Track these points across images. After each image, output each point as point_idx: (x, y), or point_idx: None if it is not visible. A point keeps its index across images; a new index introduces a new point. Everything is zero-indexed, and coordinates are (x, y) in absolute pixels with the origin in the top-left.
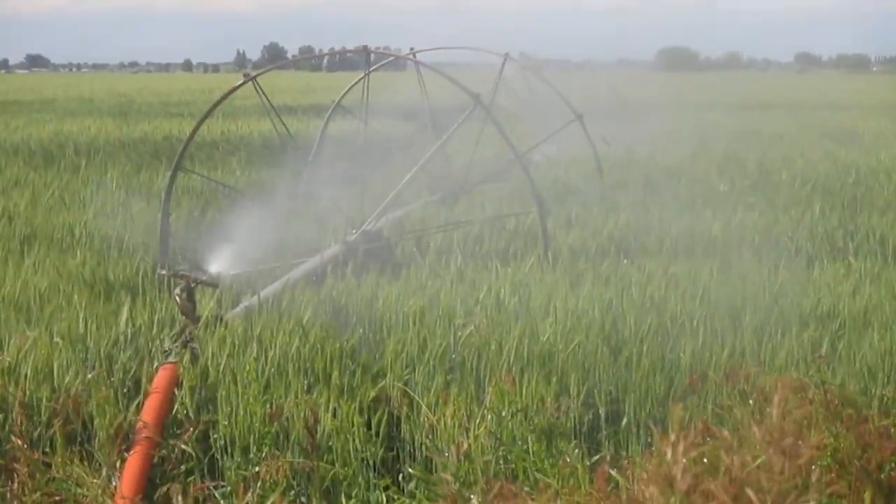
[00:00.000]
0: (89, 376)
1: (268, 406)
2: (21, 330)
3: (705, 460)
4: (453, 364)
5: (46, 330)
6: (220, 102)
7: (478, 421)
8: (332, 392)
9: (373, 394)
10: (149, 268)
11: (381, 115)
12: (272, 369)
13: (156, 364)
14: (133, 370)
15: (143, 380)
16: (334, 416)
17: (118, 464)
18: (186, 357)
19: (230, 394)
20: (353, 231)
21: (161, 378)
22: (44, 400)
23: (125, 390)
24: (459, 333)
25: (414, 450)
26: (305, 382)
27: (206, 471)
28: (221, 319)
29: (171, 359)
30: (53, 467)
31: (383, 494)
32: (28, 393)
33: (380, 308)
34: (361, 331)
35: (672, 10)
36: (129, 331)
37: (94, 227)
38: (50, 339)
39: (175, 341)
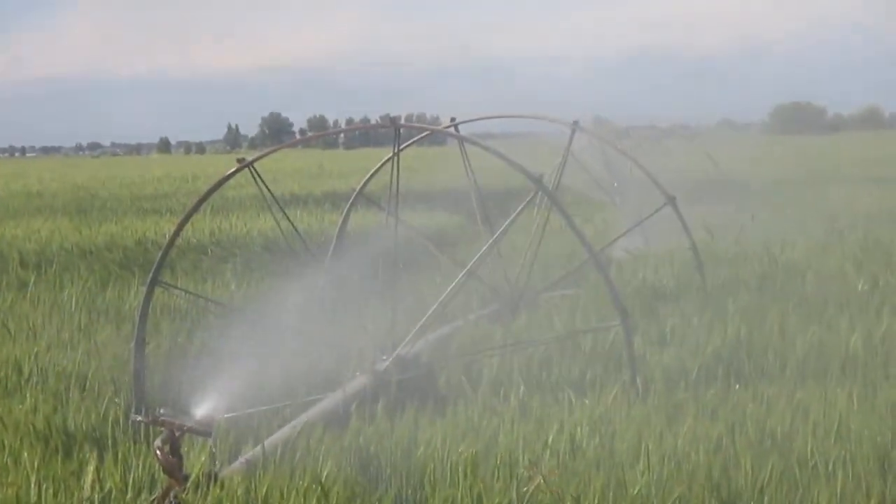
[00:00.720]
0: None
1: None
2: None
3: None
4: None
5: None
6: (209, 196)
7: None
8: None
9: None
10: (120, 413)
11: (415, 204)
12: None
13: None
14: None
15: None
16: None
17: None
18: None
19: None
20: (384, 357)
21: None
22: None
23: None
24: (524, 488)
25: None
26: None
27: None
28: (216, 478)
29: None
30: None
31: None
32: None
33: (421, 457)
34: (397, 487)
35: (790, 56)
36: (96, 497)
37: (47, 361)
38: None
39: None
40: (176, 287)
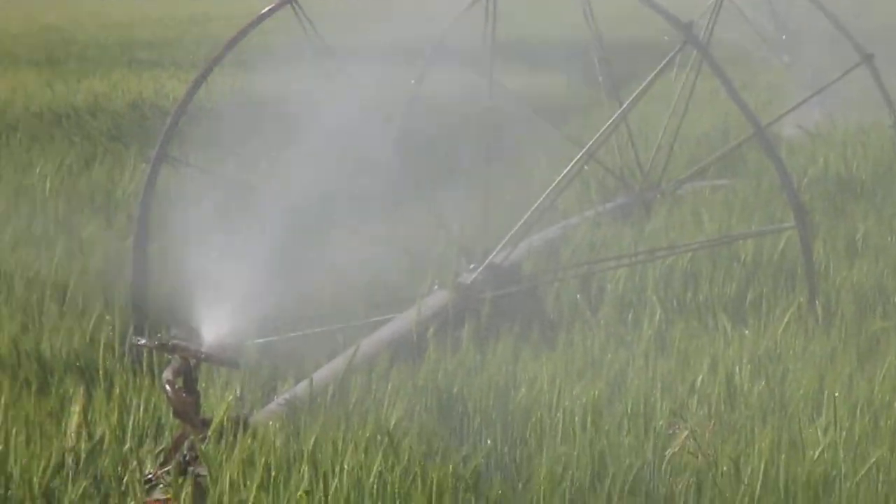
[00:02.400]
0: None
1: None
2: None
3: None
4: (653, 499)
5: None
6: (235, 43)
7: None
8: None
9: None
10: (115, 335)
11: (511, 60)
12: None
13: None
14: None
15: None
16: None
17: None
18: (186, 492)
19: None
20: (472, 267)
21: None
22: None
23: None
24: (668, 449)
25: None
26: None
27: None
28: (246, 425)
29: (157, 495)
30: None
31: None
32: None
33: (522, 401)
34: (490, 442)
35: None
36: (82, 446)
37: (13, 264)
38: None
39: (165, 464)
40: (189, 164)
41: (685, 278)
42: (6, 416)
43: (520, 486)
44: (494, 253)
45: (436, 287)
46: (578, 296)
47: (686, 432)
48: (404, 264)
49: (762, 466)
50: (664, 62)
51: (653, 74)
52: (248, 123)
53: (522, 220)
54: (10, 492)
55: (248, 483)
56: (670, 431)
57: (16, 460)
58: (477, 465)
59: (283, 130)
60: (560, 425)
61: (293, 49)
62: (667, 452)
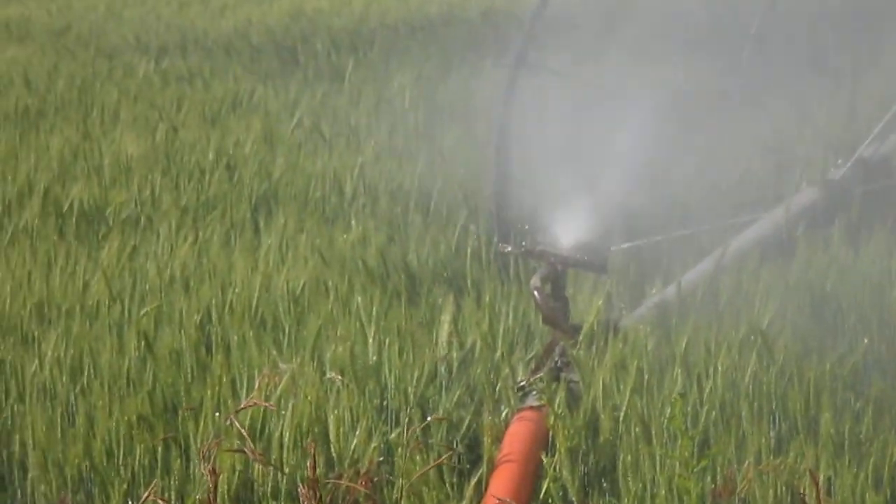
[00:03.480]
0: (391, 437)
1: (708, 477)
2: (269, 360)
3: None
4: None
5: (312, 359)
6: None
7: None
8: (821, 450)
9: None
10: (480, 243)
11: None
12: (713, 413)
13: (505, 412)
14: (466, 424)
15: (485, 440)
16: (828, 491)
17: None
18: (559, 398)
19: (640, 459)
20: (840, 162)
21: (516, 436)
22: None
23: (455, 459)
24: None
25: None
26: (773, 435)
27: None
28: (616, 329)
29: (531, 402)
30: None
31: None
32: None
33: None
34: (867, 341)
35: None
36: (454, 354)
37: (376, 176)
38: (319, 374)
39: (537, 371)
40: (549, 70)
41: None
42: (378, 328)
43: None
44: (863, 147)
45: (804, 184)
46: None
47: None
48: (770, 163)
49: None
50: None
51: None
52: (603, 26)
53: (891, 113)
54: (385, 402)
55: (622, 387)
56: None
57: (390, 370)
58: (855, 364)
59: (639, 32)
60: None
61: None
62: None
